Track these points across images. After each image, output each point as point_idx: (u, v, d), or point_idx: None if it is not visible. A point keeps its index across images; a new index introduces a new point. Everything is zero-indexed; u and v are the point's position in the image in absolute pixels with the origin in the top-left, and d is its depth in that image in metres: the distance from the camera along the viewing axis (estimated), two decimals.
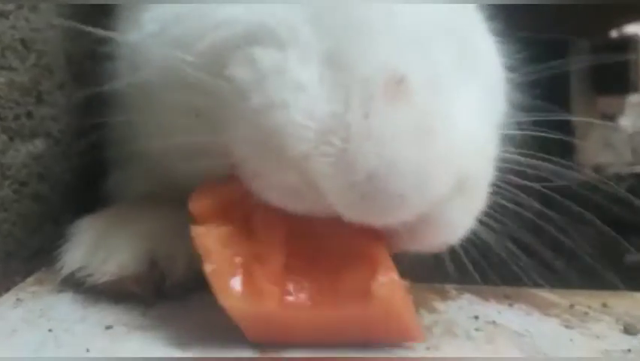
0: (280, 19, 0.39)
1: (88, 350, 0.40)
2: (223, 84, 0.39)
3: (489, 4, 0.50)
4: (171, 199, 0.50)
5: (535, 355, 0.42)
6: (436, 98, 0.36)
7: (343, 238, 0.40)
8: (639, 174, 1.41)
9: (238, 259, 0.40)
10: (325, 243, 0.40)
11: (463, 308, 0.52)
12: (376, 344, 0.41)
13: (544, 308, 0.53)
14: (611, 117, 1.81)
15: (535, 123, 0.51)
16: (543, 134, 0.48)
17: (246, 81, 0.38)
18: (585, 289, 0.57)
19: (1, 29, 0.54)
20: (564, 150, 0.57)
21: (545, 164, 0.48)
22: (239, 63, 0.39)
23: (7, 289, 0.52)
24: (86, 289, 0.49)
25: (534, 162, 0.47)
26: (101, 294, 0.49)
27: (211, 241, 0.40)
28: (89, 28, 0.47)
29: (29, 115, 0.58)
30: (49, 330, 0.43)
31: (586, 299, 0.55)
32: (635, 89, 1.65)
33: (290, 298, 0.39)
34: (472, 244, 0.47)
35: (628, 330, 0.48)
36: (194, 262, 0.42)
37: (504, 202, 0.47)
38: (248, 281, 0.39)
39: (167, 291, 0.48)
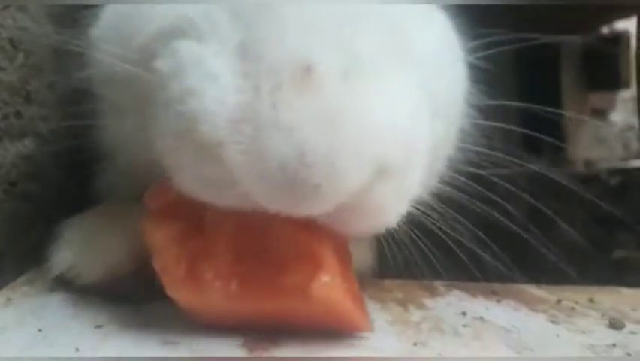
0: (202, 12, 0.39)
1: (77, 350, 0.40)
2: (151, 77, 0.40)
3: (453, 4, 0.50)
4: None
5: (522, 351, 0.43)
6: (347, 86, 0.36)
7: (290, 234, 0.40)
8: (630, 170, 1.41)
9: (186, 255, 0.41)
10: (272, 239, 0.41)
11: (451, 305, 0.52)
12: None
13: (532, 304, 0.53)
14: (602, 113, 1.82)
15: (526, 118, 0.51)
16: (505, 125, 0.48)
17: (167, 72, 0.39)
18: (573, 284, 0.58)
19: None
20: (553, 145, 0.58)
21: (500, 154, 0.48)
22: (163, 55, 0.40)
23: None
24: (76, 288, 0.50)
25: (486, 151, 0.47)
26: (91, 293, 0.49)
27: (160, 238, 0.42)
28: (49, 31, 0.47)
29: (18, 115, 0.57)
30: (39, 330, 0.43)
31: (573, 294, 0.56)
32: (626, 85, 1.65)
33: (234, 292, 0.40)
34: (462, 240, 0.48)
35: (613, 325, 0.48)
36: None
37: (490, 195, 0.47)
38: (194, 276, 0.41)
39: (157, 290, 0.48)
